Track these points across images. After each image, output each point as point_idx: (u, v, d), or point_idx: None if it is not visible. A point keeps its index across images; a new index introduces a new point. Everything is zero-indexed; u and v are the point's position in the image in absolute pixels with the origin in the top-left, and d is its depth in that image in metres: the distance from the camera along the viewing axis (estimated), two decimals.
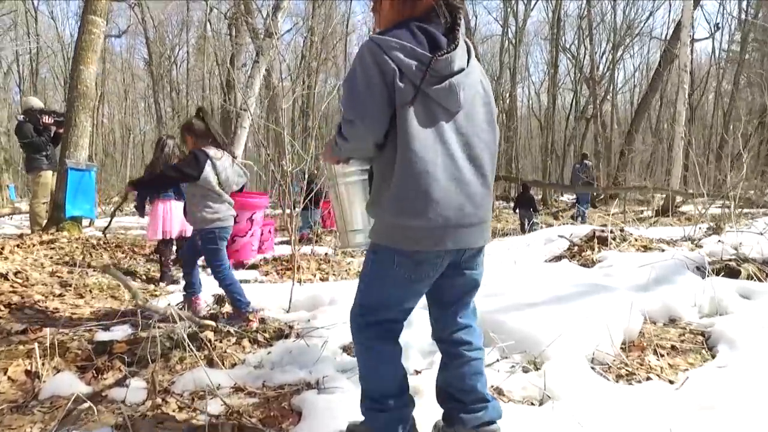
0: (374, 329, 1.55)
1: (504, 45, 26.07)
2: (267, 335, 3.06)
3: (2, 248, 4.87)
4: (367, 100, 1.34)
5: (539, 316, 2.76)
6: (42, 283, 4.02)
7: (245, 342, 2.97)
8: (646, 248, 4.79)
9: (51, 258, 5.24)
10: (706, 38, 23.77)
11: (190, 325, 2.86)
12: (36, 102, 7.62)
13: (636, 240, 5.05)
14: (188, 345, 2.63)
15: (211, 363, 2.69)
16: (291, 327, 3.17)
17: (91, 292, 4.04)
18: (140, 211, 5.06)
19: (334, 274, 5.63)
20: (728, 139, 16.45)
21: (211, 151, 3.15)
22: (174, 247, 4.97)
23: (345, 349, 2.87)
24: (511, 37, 24.77)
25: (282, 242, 8.31)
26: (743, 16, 21.35)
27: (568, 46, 26.74)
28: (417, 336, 2.77)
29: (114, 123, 31.72)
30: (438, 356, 1.76)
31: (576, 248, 4.95)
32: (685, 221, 11.44)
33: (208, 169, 3.09)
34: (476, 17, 24.86)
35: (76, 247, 5.70)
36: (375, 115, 1.35)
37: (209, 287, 4.45)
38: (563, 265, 4.54)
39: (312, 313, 3.47)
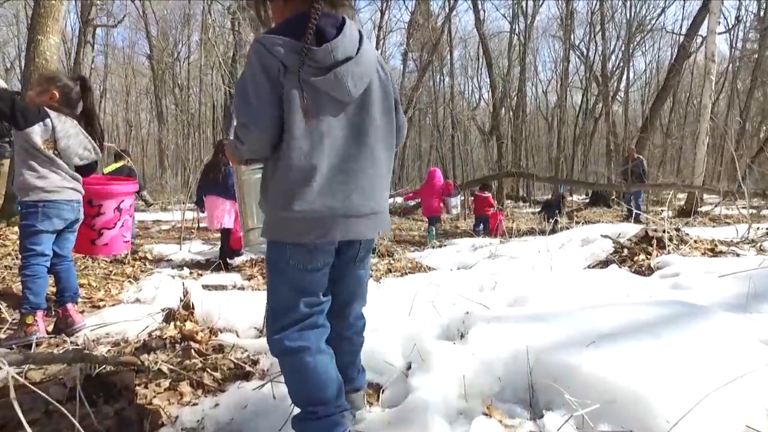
0: (291, 332, 1.41)
1: (512, 42, 25.06)
2: (219, 374, 2.08)
3: None
4: (256, 103, 1.30)
5: (628, 358, 1.76)
6: None
7: (184, 386, 1.98)
8: (713, 252, 3.77)
9: None
10: (725, 32, 22.60)
11: (103, 361, 1.88)
12: None
13: (696, 242, 4.04)
14: (83, 400, 1.65)
15: (124, 426, 1.71)
16: (255, 363, 2.19)
17: (6, 302, 3.07)
18: (200, 205, 5.58)
19: None
20: (744, 138, 15.40)
21: (56, 115, 2.57)
22: None
23: None
24: (520, 34, 23.74)
25: None
26: (762, 13, 20.26)
27: (577, 44, 25.68)
28: (438, 388, 1.78)
29: (117, 119, 30.89)
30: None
31: (625, 251, 3.94)
32: (710, 222, 10.40)
33: (37, 128, 2.49)
34: (484, 12, 23.77)
35: None
36: (266, 118, 1.31)
37: (169, 296, 3.48)
38: (613, 272, 3.54)
39: None
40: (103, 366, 1.89)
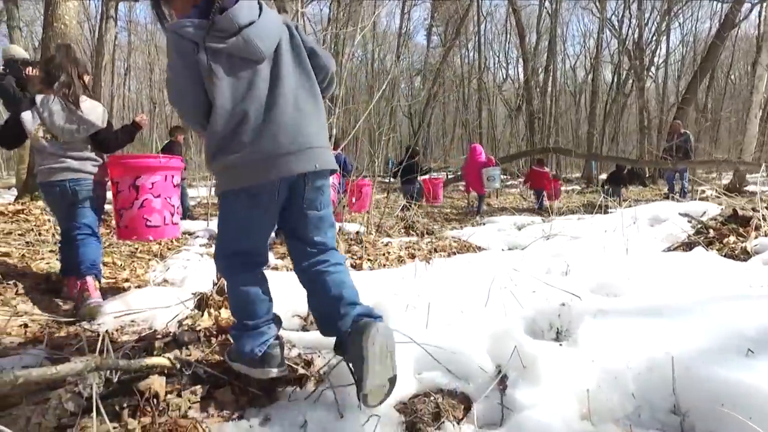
0: (236, 260, 1.58)
1: (541, 15, 23.92)
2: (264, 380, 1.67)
3: None
4: (178, 92, 1.47)
5: None
6: None
7: (225, 394, 1.58)
8: None
9: (8, 233, 3.96)
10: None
11: (124, 367, 1.48)
12: (19, 51, 6.32)
13: None
14: (103, 415, 1.26)
15: None
16: (308, 364, 1.77)
17: (21, 284, 2.72)
18: None
19: (369, 259, 4.23)
20: None
21: (41, 97, 2.52)
22: None
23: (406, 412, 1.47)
24: (549, 6, 22.58)
25: None
26: None
27: (608, 16, 24.37)
28: (554, 406, 1.34)
29: (141, 97, 30.75)
30: None
31: (711, 233, 3.41)
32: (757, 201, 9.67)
33: (25, 116, 2.47)
34: None
35: (48, 220, 4.41)
36: (189, 103, 1.47)
37: (199, 277, 3.11)
38: (701, 256, 3.03)
39: None
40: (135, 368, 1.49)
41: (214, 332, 2.04)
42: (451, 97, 24.90)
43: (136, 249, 4.30)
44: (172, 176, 2.75)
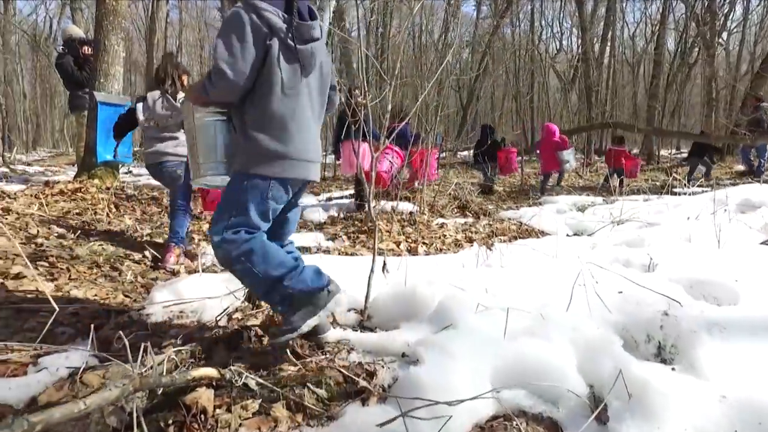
0: (242, 230, 1.62)
1: None
2: (323, 392, 1.48)
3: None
4: (241, 57, 1.51)
5: None
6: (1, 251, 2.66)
7: (278, 409, 1.39)
8: None
9: (66, 212, 3.97)
10: None
11: (167, 384, 1.32)
12: (76, 31, 6.35)
13: None
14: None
15: None
16: (371, 375, 1.56)
17: (75, 268, 2.65)
18: (336, 153, 5.92)
19: (424, 242, 3.98)
20: None
21: (149, 93, 3.18)
22: None
23: None
24: None
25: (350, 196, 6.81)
26: None
27: None
28: None
29: (194, 72, 31.27)
30: None
31: None
32: None
33: (138, 106, 3.13)
34: None
35: (102, 199, 4.41)
36: (245, 71, 1.53)
37: None
38: None
39: (409, 335, 1.82)
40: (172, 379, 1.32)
41: (267, 330, 1.86)
42: (502, 69, 23.87)
43: (191, 229, 4.23)
44: None
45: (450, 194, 6.20)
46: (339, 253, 3.67)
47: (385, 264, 2.27)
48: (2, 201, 3.89)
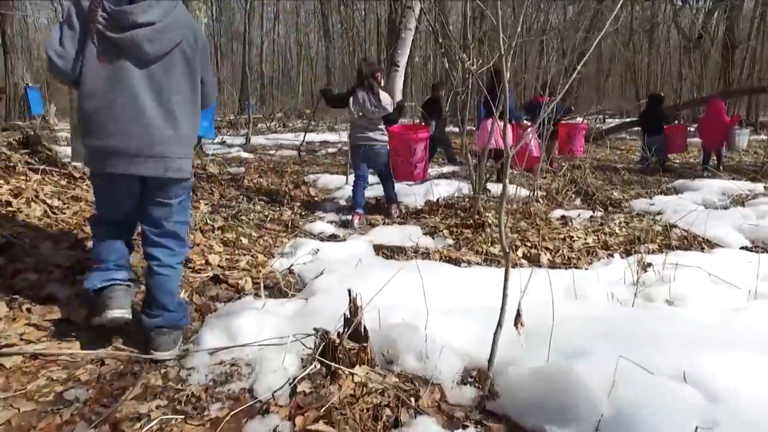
0: (104, 227, 1.76)
1: None
2: None
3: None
4: (64, 41, 1.54)
5: None
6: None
7: None
8: None
9: None
10: None
11: None
12: None
13: None
14: None
15: None
16: None
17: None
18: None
19: (546, 247, 3.09)
20: None
21: (359, 89, 3.90)
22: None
23: None
24: None
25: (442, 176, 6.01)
26: None
27: None
28: None
29: (290, 41, 31.33)
30: None
31: None
32: None
33: (350, 100, 3.89)
34: None
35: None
36: (67, 55, 1.55)
37: (332, 276, 2.33)
38: None
39: None
40: None
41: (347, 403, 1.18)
42: (615, 29, 21.10)
43: (266, 217, 3.70)
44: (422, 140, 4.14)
45: (566, 176, 5.16)
46: (440, 258, 2.92)
47: (519, 315, 1.48)
48: None
